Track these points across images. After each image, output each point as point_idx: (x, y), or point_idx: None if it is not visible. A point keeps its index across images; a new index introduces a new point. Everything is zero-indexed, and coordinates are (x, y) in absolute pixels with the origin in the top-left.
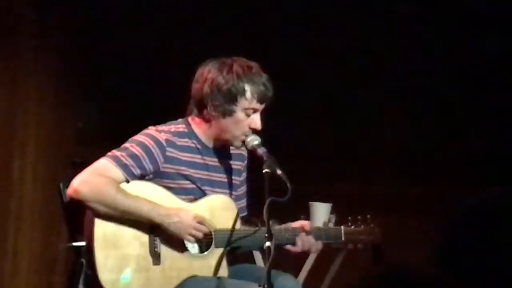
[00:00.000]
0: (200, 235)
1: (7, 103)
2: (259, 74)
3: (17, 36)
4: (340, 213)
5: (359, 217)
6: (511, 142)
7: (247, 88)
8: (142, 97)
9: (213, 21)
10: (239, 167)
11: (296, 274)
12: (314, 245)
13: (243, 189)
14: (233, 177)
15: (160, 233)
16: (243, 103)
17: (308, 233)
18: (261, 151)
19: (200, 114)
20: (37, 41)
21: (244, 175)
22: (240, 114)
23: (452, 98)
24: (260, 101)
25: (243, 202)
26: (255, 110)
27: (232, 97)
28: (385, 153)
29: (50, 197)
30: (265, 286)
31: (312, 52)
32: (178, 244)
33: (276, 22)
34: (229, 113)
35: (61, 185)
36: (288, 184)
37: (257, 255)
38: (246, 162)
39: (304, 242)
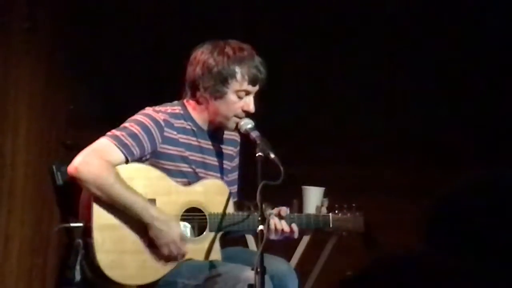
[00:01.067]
0: (174, 254)
1: None
2: (251, 56)
3: (9, 17)
4: (334, 197)
5: (345, 205)
6: (502, 128)
7: (238, 70)
8: (134, 80)
9: (208, 6)
10: (231, 152)
11: (288, 258)
12: (286, 228)
13: (235, 175)
14: (224, 161)
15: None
16: (234, 85)
17: (281, 217)
18: (254, 134)
19: (193, 97)
20: (29, 22)
21: (236, 161)
22: (231, 96)
23: (450, 86)
24: (252, 83)
25: (235, 188)
26: (247, 93)
27: (223, 79)
28: (377, 136)
29: (42, 179)
30: (258, 269)
31: (304, 35)
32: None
33: (271, 7)
34: (220, 95)
35: (53, 167)
36: (281, 168)
37: (250, 239)
38: (238, 148)
39: (276, 225)
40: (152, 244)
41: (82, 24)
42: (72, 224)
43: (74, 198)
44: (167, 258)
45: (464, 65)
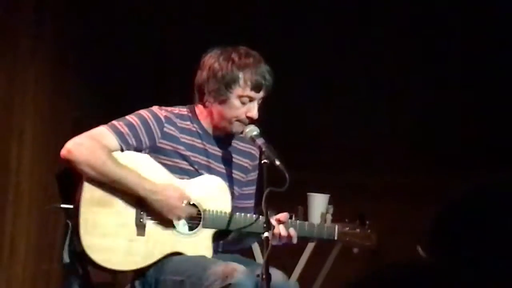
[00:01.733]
0: (182, 215)
1: (5, 91)
2: (257, 62)
3: (16, 23)
4: (339, 204)
5: (357, 220)
6: (506, 132)
7: (241, 75)
8: (140, 87)
9: (211, 9)
10: (246, 164)
11: (293, 265)
12: (283, 232)
13: (251, 189)
14: (234, 171)
15: (146, 206)
16: (237, 90)
17: (280, 222)
18: (259, 141)
19: (201, 101)
20: (35, 29)
21: (253, 175)
22: (235, 101)
23: (452, 87)
24: (255, 89)
25: (250, 203)
26: (251, 99)
27: (226, 83)
28: (383, 142)
29: (47, 186)
30: (263, 276)
31: (313, 41)
32: (164, 219)
33: (273, 12)
34: (224, 99)
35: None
36: (286, 175)
37: (256, 249)
38: (256, 162)
39: (274, 228)
40: (140, 232)
41: (88, 31)
42: (63, 205)
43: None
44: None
45: (469, 68)
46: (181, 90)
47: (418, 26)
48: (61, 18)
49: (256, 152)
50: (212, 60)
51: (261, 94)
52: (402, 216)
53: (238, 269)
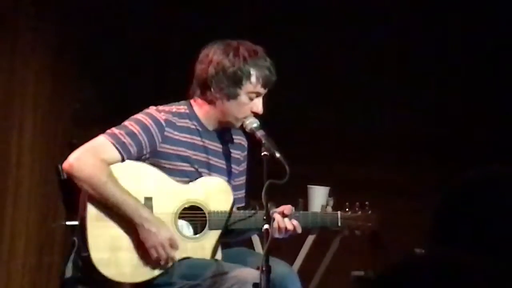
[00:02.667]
0: (163, 257)
1: (5, 83)
2: (264, 58)
3: (16, 16)
4: (339, 196)
5: (357, 203)
6: (504, 126)
7: (253, 72)
8: (140, 79)
9: (214, 5)
10: (239, 156)
11: (293, 258)
12: (289, 226)
13: (242, 180)
14: (232, 165)
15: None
16: (247, 86)
17: (284, 216)
18: (259, 133)
19: (203, 96)
20: (35, 23)
21: (243, 165)
22: (243, 98)
23: (451, 85)
24: (264, 85)
25: (242, 193)
26: (258, 94)
27: (237, 80)
28: (384, 136)
29: (47, 178)
30: (263, 268)
31: (313, 37)
32: (171, 226)
33: (277, 8)
34: (233, 96)
35: (59, 166)
36: (287, 167)
37: (255, 240)
38: (246, 153)
39: (279, 223)
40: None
41: (88, 24)
42: (68, 223)
43: (78, 196)
44: (155, 262)
45: (468, 65)
46: (180, 82)
47: (416, 27)
48: (61, 11)
49: (245, 143)
50: (218, 55)
51: (267, 89)
52: (402, 210)
53: (253, 274)
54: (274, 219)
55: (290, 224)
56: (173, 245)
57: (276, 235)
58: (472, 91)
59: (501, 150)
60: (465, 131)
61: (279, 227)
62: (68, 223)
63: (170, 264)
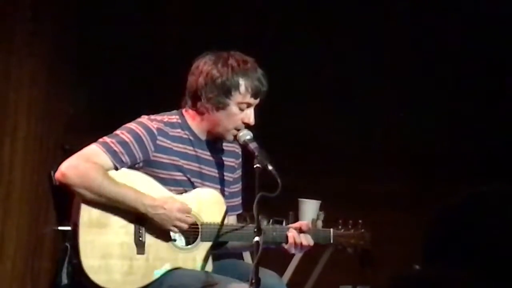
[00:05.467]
0: (185, 226)
1: (0, 87)
2: (254, 69)
3: (13, 20)
4: (330, 210)
5: (350, 221)
6: (499, 142)
7: (242, 82)
8: (133, 85)
9: (210, 12)
10: (232, 163)
11: (282, 271)
12: (306, 242)
13: (237, 187)
14: (225, 173)
15: (146, 223)
16: (237, 97)
17: (301, 231)
18: (252, 146)
19: (194, 106)
20: (31, 26)
21: (238, 172)
22: (233, 108)
23: (443, 97)
24: (254, 96)
25: (238, 200)
26: (248, 105)
27: (226, 90)
28: (376, 150)
29: (39, 183)
30: (253, 281)
31: (302, 49)
32: (163, 235)
33: (277, 15)
34: (222, 106)
35: (52, 172)
36: (279, 180)
37: (246, 252)
38: (240, 160)
39: (295, 237)
40: (140, 250)
41: (83, 29)
42: (60, 228)
43: (70, 202)
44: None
45: (464, 78)
46: (173, 91)
47: (405, 38)
48: (57, 15)
49: (239, 150)
50: (208, 66)
51: (258, 99)
52: (393, 223)
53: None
54: (287, 234)
55: (305, 239)
56: (186, 211)
57: (293, 251)
58: (464, 103)
59: (495, 166)
60: (458, 147)
61: (295, 243)
62: (60, 228)
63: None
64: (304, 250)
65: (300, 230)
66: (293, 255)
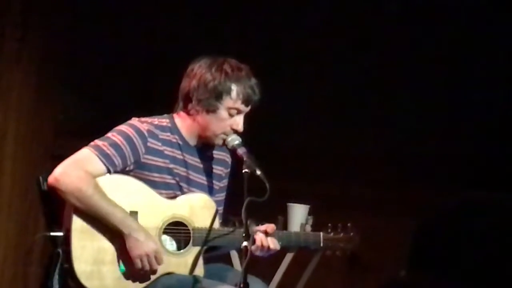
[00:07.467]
0: (146, 268)
1: None
2: (248, 76)
3: (2, 25)
4: (319, 214)
5: (339, 224)
6: (488, 146)
7: (234, 88)
8: (123, 90)
9: (200, 15)
10: (220, 172)
11: (271, 275)
12: (272, 245)
13: (222, 196)
14: (213, 181)
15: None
16: (227, 102)
17: (267, 234)
18: (241, 151)
19: (185, 108)
20: (21, 32)
21: (224, 182)
22: (223, 112)
23: (435, 100)
24: (245, 103)
25: (221, 209)
26: (239, 111)
27: (217, 94)
28: (366, 155)
29: (28, 189)
30: (241, 286)
31: (298, 53)
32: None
33: (272, 20)
34: (213, 109)
35: (40, 178)
36: (267, 185)
37: (234, 256)
38: (229, 169)
39: (262, 241)
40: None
41: (73, 35)
42: (52, 233)
43: (59, 208)
44: (138, 272)
45: (455, 82)
46: (165, 95)
47: (401, 44)
48: (47, 21)
49: (229, 160)
50: (202, 69)
51: (248, 107)
52: (382, 229)
53: None
54: (254, 237)
55: (272, 243)
56: (158, 258)
57: (258, 253)
58: (461, 109)
59: (486, 171)
60: (448, 152)
61: (262, 245)
62: (52, 234)
63: (151, 276)
64: (270, 253)
65: (266, 233)
66: (281, 259)
